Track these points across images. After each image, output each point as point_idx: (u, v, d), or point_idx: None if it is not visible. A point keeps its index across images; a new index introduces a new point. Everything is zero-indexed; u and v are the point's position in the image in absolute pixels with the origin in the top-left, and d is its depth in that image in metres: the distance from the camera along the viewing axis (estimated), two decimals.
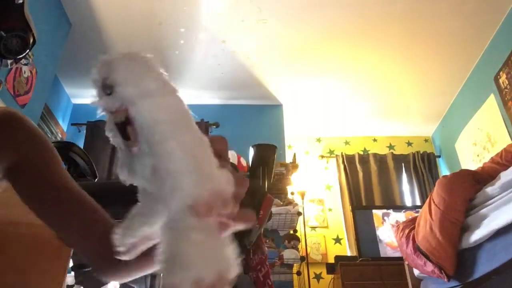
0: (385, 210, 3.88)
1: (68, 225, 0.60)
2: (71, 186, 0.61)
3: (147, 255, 0.54)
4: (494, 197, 1.58)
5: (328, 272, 3.69)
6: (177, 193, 0.33)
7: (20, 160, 0.58)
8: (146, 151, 0.35)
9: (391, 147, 4.73)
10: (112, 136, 0.38)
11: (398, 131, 4.74)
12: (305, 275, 3.48)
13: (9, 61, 0.56)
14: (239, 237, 1.57)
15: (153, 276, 1.38)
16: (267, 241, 3.22)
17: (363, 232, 3.70)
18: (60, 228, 0.61)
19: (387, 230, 3.69)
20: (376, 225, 3.76)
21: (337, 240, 4.19)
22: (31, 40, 0.57)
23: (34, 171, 0.59)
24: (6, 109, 0.61)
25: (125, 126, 0.36)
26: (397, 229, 2.22)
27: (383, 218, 3.80)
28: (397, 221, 3.63)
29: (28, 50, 0.58)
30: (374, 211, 3.87)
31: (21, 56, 0.59)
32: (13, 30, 0.54)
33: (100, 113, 0.38)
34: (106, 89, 0.37)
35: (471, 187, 1.75)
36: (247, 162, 3.42)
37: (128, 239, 0.38)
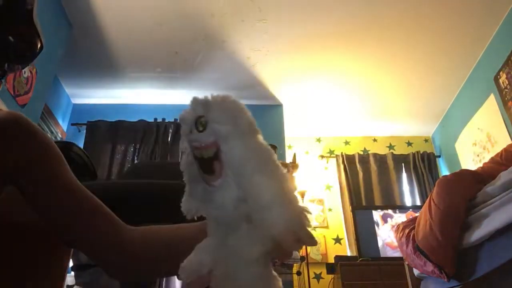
0: (386, 211, 3.88)
1: (75, 226, 0.60)
2: (78, 187, 0.61)
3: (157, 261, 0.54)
4: (494, 197, 1.58)
5: (328, 272, 3.69)
6: (267, 224, 0.36)
7: (26, 163, 0.58)
8: (231, 185, 0.38)
9: (391, 147, 4.73)
10: (188, 168, 0.41)
11: (398, 131, 4.74)
12: (305, 275, 3.48)
13: (16, 66, 0.57)
14: None
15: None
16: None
17: (363, 232, 3.70)
18: (65, 230, 0.62)
19: (388, 230, 3.69)
20: (381, 223, 3.76)
21: (337, 240, 4.19)
22: (39, 46, 0.57)
23: (40, 173, 0.59)
24: (10, 112, 0.61)
25: (211, 161, 0.39)
26: (397, 229, 2.22)
27: (385, 220, 3.80)
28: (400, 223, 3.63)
29: (36, 56, 0.59)
30: (375, 211, 3.87)
31: (29, 61, 0.59)
32: (21, 36, 0.54)
33: (184, 148, 0.41)
34: (199, 125, 0.40)
35: (471, 187, 1.75)
36: None
37: (196, 273, 0.39)
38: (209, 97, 0.43)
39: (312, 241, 0.36)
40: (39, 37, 0.60)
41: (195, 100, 0.42)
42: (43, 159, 0.60)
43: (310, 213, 0.38)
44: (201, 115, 0.41)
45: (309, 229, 0.36)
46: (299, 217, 0.36)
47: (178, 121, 0.42)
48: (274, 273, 0.38)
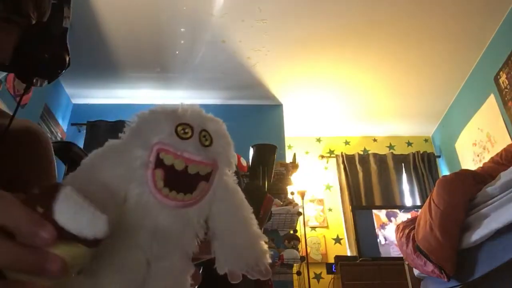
0: (390, 210, 3.87)
1: None
2: None
3: None
4: (494, 197, 1.58)
5: (328, 272, 3.69)
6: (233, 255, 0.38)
7: (15, 175, 0.59)
8: (205, 210, 0.37)
9: (391, 147, 4.73)
10: (134, 175, 0.36)
11: (398, 131, 4.74)
12: (305, 275, 3.48)
13: (46, 81, 0.59)
14: None
15: None
16: (267, 241, 3.21)
17: (363, 232, 3.70)
18: None
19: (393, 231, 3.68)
20: (376, 225, 3.76)
21: (337, 240, 4.19)
22: (67, 63, 0.61)
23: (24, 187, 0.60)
24: (26, 123, 0.64)
25: (198, 179, 0.36)
26: (397, 229, 2.22)
27: (389, 219, 3.79)
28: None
29: (63, 72, 0.62)
30: (376, 211, 3.87)
31: (56, 78, 0.62)
32: (54, 54, 0.57)
33: (180, 156, 0.36)
34: (205, 139, 0.38)
35: (471, 187, 1.75)
36: (247, 162, 3.42)
37: None
38: (220, 122, 0.42)
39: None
40: (68, 54, 0.62)
41: (202, 111, 0.40)
42: (33, 174, 0.63)
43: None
44: (205, 128, 0.38)
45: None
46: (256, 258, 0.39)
47: (151, 113, 0.40)
48: None
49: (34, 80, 0.60)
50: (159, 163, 0.35)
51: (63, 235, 0.28)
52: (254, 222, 0.40)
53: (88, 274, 0.33)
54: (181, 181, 0.35)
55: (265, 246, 0.40)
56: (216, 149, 0.38)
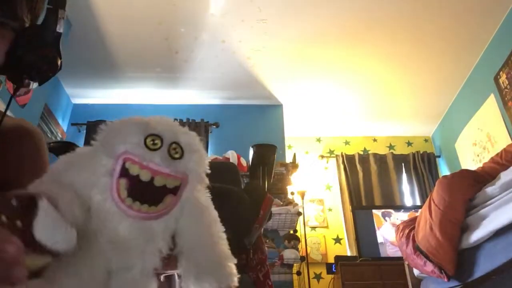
0: (385, 210, 3.87)
1: None
2: None
3: None
4: (494, 197, 1.58)
5: (328, 272, 3.69)
6: (194, 268, 0.36)
7: (5, 174, 0.59)
8: (171, 224, 0.36)
9: (391, 147, 4.73)
10: (95, 182, 0.35)
11: (398, 131, 4.74)
12: (305, 275, 3.48)
13: (35, 84, 0.60)
14: (239, 237, 1.57)
15: None
16: (267, 241, 3.21)
17: (363, 232, 3.70)
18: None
19: (389, 229, 3.68)
20: (376, 225, 3.76)
21: (337, 240, 4.19)
22: (59, 67, 0.62)
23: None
24: (19, 121, 0.64)
25: (165, 192, 0.35)
26: (397, 229, 2.22)
27: (384, 218, 3.79)
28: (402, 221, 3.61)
29: (55, 75, 0.63)
30: (374, 211, 3.87)
31: (47, 80, 0.63)
32: (46, 57, 0.58)
33: (146, 167, 0.35)
34: (176, 152, 0.36)
35: (471, 187, 1.74)
36: (247, 162, 3.42)
37: None
38: (194, 135, 0.39)
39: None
40: (60, 58, 0.63)
41: (175, 124, 0.39)
42: (24, 176, 0.62)
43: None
44: (177, 141, 0.37)
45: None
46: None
47: (123, 125, 0.38)
48: None
49: (25, 82, 0.60)
50: (124, 172, 0.35)
51: (38, 248, 0.29)
52: (224, 241, 0.38)
53: (48, 279, 0.33)
54: (146, 192, 0.34)
55: (232, 269, 0.37)
56: (187, 163, 0.37)
